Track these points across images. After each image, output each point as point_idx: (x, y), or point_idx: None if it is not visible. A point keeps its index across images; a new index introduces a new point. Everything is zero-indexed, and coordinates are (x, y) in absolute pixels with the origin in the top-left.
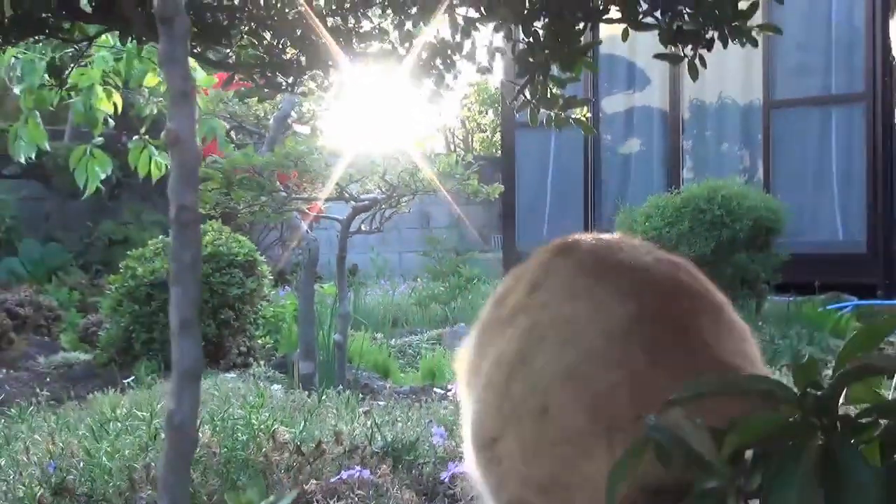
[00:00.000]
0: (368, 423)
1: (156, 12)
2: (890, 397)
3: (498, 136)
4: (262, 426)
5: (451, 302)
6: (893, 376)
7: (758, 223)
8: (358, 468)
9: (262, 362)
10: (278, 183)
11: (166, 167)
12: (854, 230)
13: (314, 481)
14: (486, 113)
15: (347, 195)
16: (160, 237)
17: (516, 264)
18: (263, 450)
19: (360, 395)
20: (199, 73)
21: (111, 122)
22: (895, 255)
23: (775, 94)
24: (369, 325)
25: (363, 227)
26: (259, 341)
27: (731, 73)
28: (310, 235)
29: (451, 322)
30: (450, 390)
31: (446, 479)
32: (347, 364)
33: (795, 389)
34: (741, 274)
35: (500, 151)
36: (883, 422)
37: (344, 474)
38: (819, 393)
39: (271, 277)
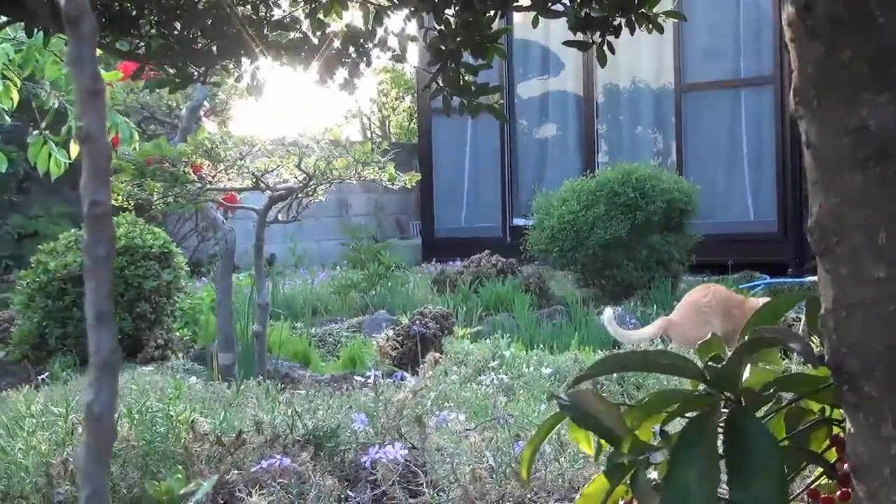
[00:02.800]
0: (289, 411)
1: (62, 12)
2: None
3: (415, 122)
4: (180, 417)
5: (371, 290)
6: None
7: (671, 205)
8: (279, 457)
9: (180, 355)
10: (192, 174)
11: (66, 164)
12: (765, 210)
13: (235, 471)
14: (403, 99)
15: (263, 185)
16: (72, 230)
17: (434, 251)
18: (183, 441)
19: (281, 385)
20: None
21: (11, 114)
22: (804, 235)
23: (687, 78)
24: (289, 315)
25: (280, 217)
26: (177, 334)
27: (643, 57)
28: (226, 226)
29: (370, 310)
30: (370, 378)
31: (367, 465)
32: (267, 354)
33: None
34: (656, 255)
35: (417, 138)
36: (785, 395)
37: (264, 463)
38: (720, 366)
39: (188, 269)
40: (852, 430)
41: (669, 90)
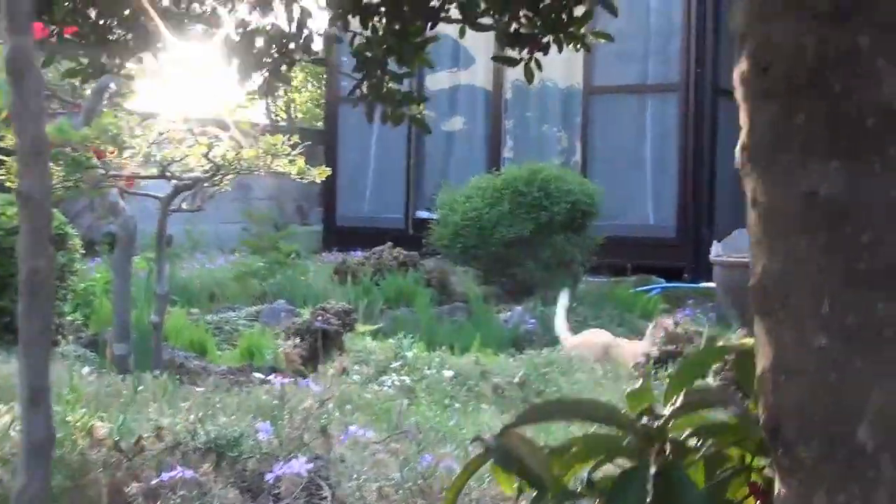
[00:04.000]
0: (191, 417)
1: (5, 64)
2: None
3: (321, 107)
4: (78, 423)
5: (270, 278)
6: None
7: (575, 206)
8: (181, 469)
9: (70, 338)
10: (95, 159)
11: None
12: (665, 215)
13: (136, 484)
14: (309, 81)
15: (169, 174)
16: None
17: (336, 239)
18: (80, 448)
19: (177, 376)
20: None
21: None
22: (702, 240)
23: (594, 80)
24: (185, 300)
25: (184, 206)
26: (69, 318)
27: (553, 57)
28: (126, 213)
29: (269, 298)
30: (269, 377)
31: (271, 481)
32: (163, 343)
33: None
34: (558, 256)
35: (322, 122)
36: (709, 441)
37: (165, 476)
38: (654, 424)
39: (83, 252)
40: (783, 492)
41: (577, 91)
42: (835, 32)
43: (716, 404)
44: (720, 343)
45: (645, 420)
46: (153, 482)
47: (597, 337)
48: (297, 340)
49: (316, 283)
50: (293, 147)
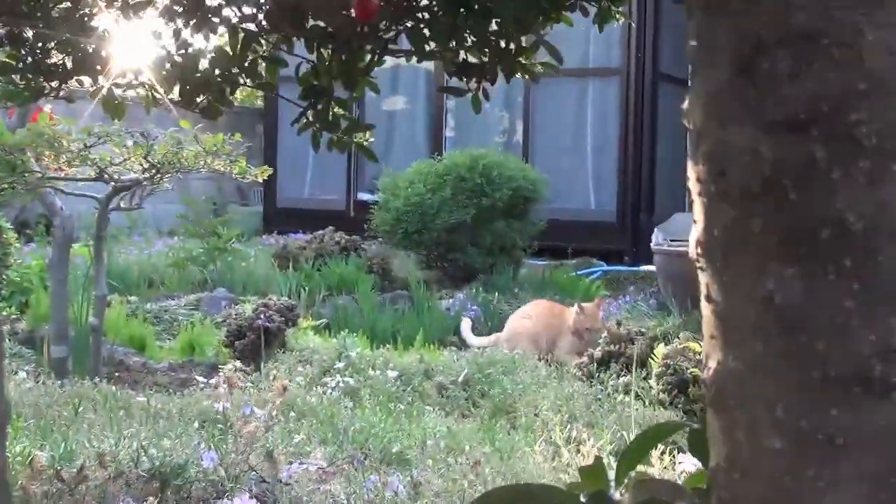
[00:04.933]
0: (134, 444)
1: None
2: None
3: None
4: (19, 455)
5: (210, 265)
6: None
7: (517, 192)
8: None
9: (5, 332)
10: (32, 162)
11: None
12: (605, 199)
13: None
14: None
15: (107, 176)
16: None
17: (276, 221)
18: (20, 482)
19: (118, 380)
20: None
21: None
22: (642, 223)
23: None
24: (123, 288)
25: (122, 205)
26: (4, 313)
27: None
28: (64, 213)
29: (209, 286)
30: (211, 380)
31: None
32: (102, 338)
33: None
34: (500, 241)
35: (262, 101)
36: None
37: None
38: None
39: (18, 246)
40: None
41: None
42: (791, 142)
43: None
44: (663, 426)
45: None
46: None
47: (522, 329)
48: (238, 333)
49: (257, 269)
50: (236, 146)
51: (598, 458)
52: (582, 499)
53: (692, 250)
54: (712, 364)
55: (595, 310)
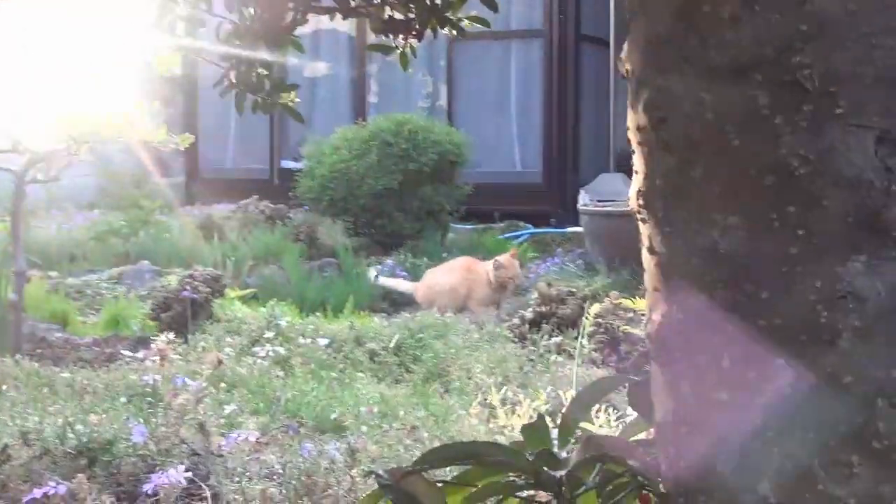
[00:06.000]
0: (59, 421)
1: None
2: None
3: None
4: None
5: (132, 237)
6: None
7: (443, 157)
8: (54, 484)
9: None
10: None
11: None
12: (531, 162)
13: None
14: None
15: (23, 148)
16: None
17: (200, 192)
18: None
19: (42, 357)
20: None
21: None
22: (567, 185)
23: None
24: (43, 263)
25: (39, 177)
26: None
27: None
28: None
29: (132, 259)
30: (138, 354)
31: (149, 491)
32: (23, 314)
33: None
34: (427, 206)
35: (180, 68)
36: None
37: (37, 492)
38: (557, 474)
39: None
40: None
41: (441, 36)
42: (734, 88)
43: (618, 458)
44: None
45: (546, 469)
46: (25, 500)
47: (442, 282)
48: (164, 305)
49: (181, 241)
50: (156, 115)
51: (540, 416)
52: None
53: (632, 202)
54: (656, 317)
55: (512, 260)
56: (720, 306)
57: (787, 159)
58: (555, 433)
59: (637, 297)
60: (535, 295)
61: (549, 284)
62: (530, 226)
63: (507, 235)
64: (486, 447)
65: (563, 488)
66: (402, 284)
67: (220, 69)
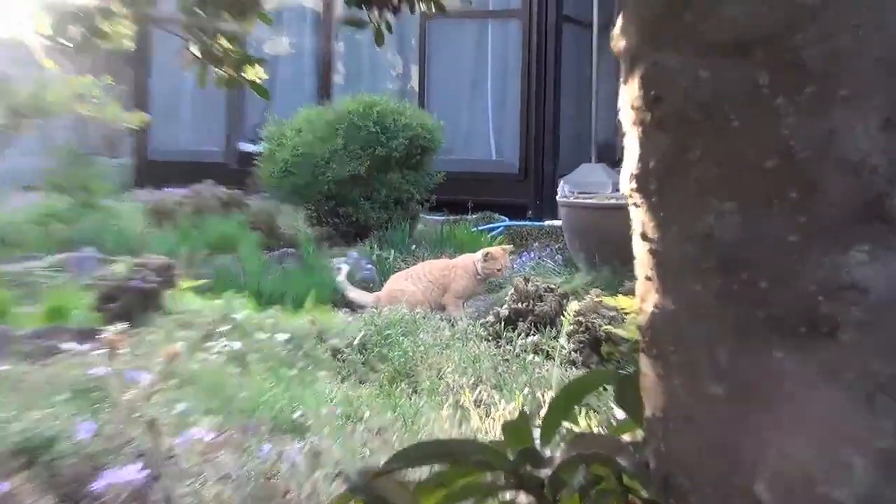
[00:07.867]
0: None
1: None
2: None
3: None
4: None
5: (77, 222)
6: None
7: (413, 142)
8: None
9: None
10: None
11: None
12: (507, 150)
13: None
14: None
15: None
16: None
17: (150, 174)
18: None
19: None
20: None
21: None
22: (545, 177)
23: None
24: None
25: None
26: None
27: None
28: None
29: (76, 246)
30: (81, 346)
31: (98, 489)
32: None
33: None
34: (395, 194)
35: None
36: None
37: None
38: (539, 473)
39: None
40: None
41: (414, 15)
42: (733, 66)
43: (605, 458)
44: (588, 378)
45: (529, 468)
46: None
47: (406, 287)
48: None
49: (129, 227)
50: (107, 90)
51: (522, 413)
52: (509, 456)
53: (624, 185)
54: (648, 307)
55: (503, 253)
56: (715, 296)
57: (788, 142)
58: (537, 433)
59: (619, 295)
60: (510, 291)
61: (527, 280)
62: (506, 218)
63: (480, 228)
64: (464, 445)
65: (546, 490)
66: (364, 297)
67: (177, 42)
